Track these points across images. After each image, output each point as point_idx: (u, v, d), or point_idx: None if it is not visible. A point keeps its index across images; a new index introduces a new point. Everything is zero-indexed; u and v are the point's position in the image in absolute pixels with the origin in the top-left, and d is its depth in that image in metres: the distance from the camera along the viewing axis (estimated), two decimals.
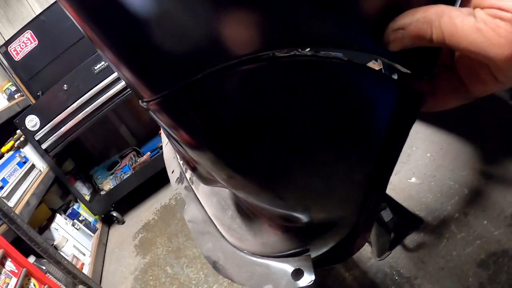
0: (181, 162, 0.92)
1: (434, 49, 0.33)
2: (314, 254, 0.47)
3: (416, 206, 1.43)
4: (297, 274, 0.45)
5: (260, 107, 0.32)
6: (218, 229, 0.62)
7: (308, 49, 0.30)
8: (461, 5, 0.30)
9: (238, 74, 0.30)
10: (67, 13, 0.33)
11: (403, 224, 1.36)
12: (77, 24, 0.33)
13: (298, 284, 0.44)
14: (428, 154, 1.63)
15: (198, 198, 0.74)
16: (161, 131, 1.28)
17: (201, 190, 0.74)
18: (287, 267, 0.47)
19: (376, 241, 1.30)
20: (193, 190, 0.78)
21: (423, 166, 1.59)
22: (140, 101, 0.36)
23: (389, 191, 1.35)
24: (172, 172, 0.97)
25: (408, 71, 0.35)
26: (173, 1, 0.28)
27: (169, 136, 0.43)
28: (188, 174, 0.85)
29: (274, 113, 0.32)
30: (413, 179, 1.55)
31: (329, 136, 0.35)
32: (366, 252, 1.37)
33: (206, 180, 0.48)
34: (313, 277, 0.44)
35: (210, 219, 0.66)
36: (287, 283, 0.46)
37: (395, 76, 0.37)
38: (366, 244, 1.38)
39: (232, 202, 0.61)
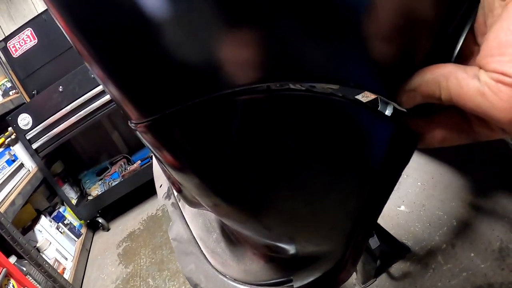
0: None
1: None
2: (297, 285, 0.46)
3: (403, 235, 1.42)
4: None
5: (250, 139, 0.31)
6: (202, 251, 0.61)
7: (303, 83, 0.30)
8: (465, 58, 0.30)
9: (230, 104, 0.29)
10: (60, 27, 0.32)
11: (390, 252, 1.35)
12: (71, 42, 0.32)
13: None
14: (419, 183, 1.63)
15: (184, 217, 0.73)
16: None
17: (187, 209, 0.73)
18: None
19: (361, 268, 1.29)
20: (179, 208, 0.77)
21: (413, 194, 1.58)
22: (128, 121, 0.35)
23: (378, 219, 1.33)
24: (160, 186, 0.96)
25: (405, 110, 0.34)
26: (171, 26, 0.27)
27: (155, 156, 0.43)
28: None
29: (265, 145, 0.32)
30: (402, 207, 1.55)
31: (319, 171, 0.35)
32: (351, 278, 1.36)
33: (191, 202, 0.48)
34: None
35: (195, 239, 0.65)
36: None
37: (390, 111, 0.36)
38: None
39: (217, 225, 0.60)
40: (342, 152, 0.34)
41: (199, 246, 0.63)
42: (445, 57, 0.32)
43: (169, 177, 0.46)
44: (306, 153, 0.33)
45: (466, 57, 0.31)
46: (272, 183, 0.35)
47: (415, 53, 0.32)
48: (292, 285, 0.45)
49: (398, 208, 1.55)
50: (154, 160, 1.14)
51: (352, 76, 0.30)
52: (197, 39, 0.27)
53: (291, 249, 0.42)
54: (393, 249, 1.35)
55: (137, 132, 0.35)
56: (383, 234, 1.33)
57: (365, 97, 0.35)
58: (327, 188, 0.37)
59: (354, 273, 1.35)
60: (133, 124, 0.34)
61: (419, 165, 1.71)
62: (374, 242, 1.25)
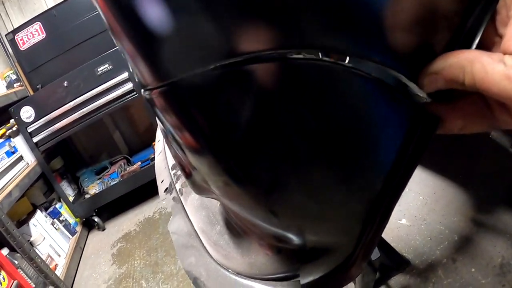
0: (172, 173, 0.90)
1: None
2: (304, 280, 0.44)
3: (404, 248, 1.40)
4: None
5: (264, 110, 0.30)
6: (203, 244, 0.59)
7: (323, 54, 0.29)
8: (486, 49, 0.30)
9: (246, 71, 0.28)
10: None
11: (390, 264, 1.33)
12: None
13: None
14: (420, 197, 1.61)
15: (185, 210, 0.71)
16: (155, 142, 1.26)
17: (190, 202, 0.71)
18: None
19: (360, 280, 1.27)
20: (181, 202, 0.75)
21: (415, 208, 1.57)
22: (142, 90, 0.34)
23: None
24: (162, 181, 0.94)
25: (425, 95, 0.33)
26: None
27: (166, 136, 0.41)
28: (178, 185, 0.82)
29: (279, 119, 0.30)
30: (404, 221, 1.53)
31: (333, 152, 0.33)
32: None
33: (200, 188, 0.46)
34: None
35: (196, 232, 0.63)
36: None
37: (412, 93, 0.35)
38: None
39: (221, 217, 0.58)
40: (358, 133, 0.33)
41: (200, 239, 0.61)
42: (465, 47, 0.31)
43: (179, 162, 0.45)
44: (320, 131, 0.32)
45: (487, 48, 0.31)
46: (284, 165, 0.33)
47: (435, 39, 0.31)
48: (299, 280, 0.44)
49: (399, 221, 1.53)
50: (157, 158, 1.13)
51: (375, 52, 0.29)
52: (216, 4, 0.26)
53: (299, 239, 0.41)
54: (393, 261, 1.33)
55: (151, 103, 0.34)
56: (384, 246, 1.31)
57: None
58: (341, 173, 0.35)
59: (353, 284, 1.32)
60: (148, 92, 0.33)
61: (421, 179, 1.70)
62: (374, 253, 1.23)
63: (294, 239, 0.41)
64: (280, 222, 0.39)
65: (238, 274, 0.49)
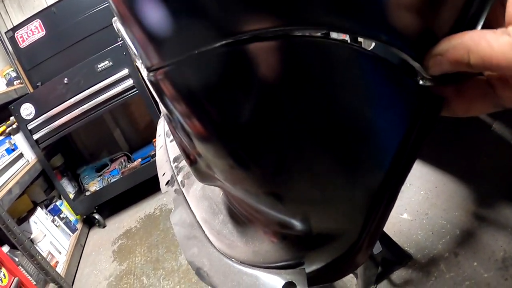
0: (173, 165, 0.90)
1: None
2: (309, 268, 0.44)
3: (406, 242, 1.40)
4: (289, 287, 0.42)
5: (269, 90, 0.30)
6: (205, 234, 0.59)
7: (325, 31, 0.29)
8: (491, 27, 0.29)
9: (251, 50, 0.28)
10: None
11: (392, 258, 1.32)
12: None
13: None
14: (422, 192, 1.61)
15: (187, 202, 0.71)
16: (155, 139, 1.25)
17: (192, 193, 0.71)
18: (278, 280, 0.43)
19: (362, 274, 1.26)
20: (183, 193, 0.75)
21: (416, 203, 1.56)
22: (147, 73, 0.33)
23: None
24: (163, 174, 0.94)
25: (430, 77, 0.33)
26: None
27: (170, 121, 0.41)
28: (180, 177, 0.82)
29: (284, 100, 0.30)
30: (405, 215, 1.53)
31: (339, 135, 0.33)
32: (352, 284, 1.34)
33: (204, 176, 0.46)
34: None
35: (198, 223, 0.63)
36: None
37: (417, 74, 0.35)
38: (352, 276, 1.35)
39: (224, 206, 0.58)
40: (364, 114, 0.33)
41: (202, 230, 0.60)
42: (470, 29, 0.31)
43: (184, 149, 0.44)
44: (325, 112, 0.32)
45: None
46: (289, 143, 0.33)
47: (441, 20, 0.30)
48: (304, 268, 0.43)
49: (400, 216, 1.53)
50: (158, 152, 1.12)
51: (381, 31, 0.29)
52: None
53: (305, 225, 0.40)
54: (395, 255, 1.33)
55: (155, 85, 0.33)
56: (386, 240, 1.31)
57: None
58: (346, 158, 0.35)
59: (355, 279, 1.32)
60: (152, 73, 0.32)
61: (423, 174, 1.70)
62: (376, 248, 1.22)
63: (300, 225, 0.40)
64: (285, 208, 0.39)
65: (242, 263, 0.49)
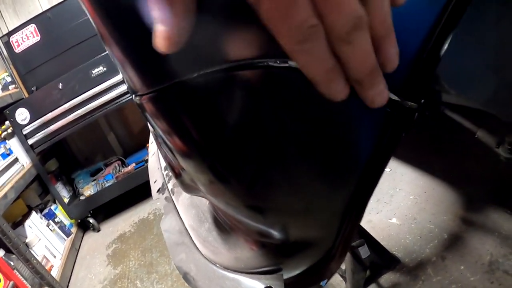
0: (164, 173, 0.92)
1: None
2: (287, 275, 0.46)
3: (394, 246, 1.43)
4: None
5: (246, 115, 0.32)
6: (193, 241, 0.61)
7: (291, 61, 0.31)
8: None
9: (231, 79, 0.30)
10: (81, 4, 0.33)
11: (380, 262, 1.35)
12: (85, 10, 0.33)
13: None
14: (411, 197, 1.64)
15: (177, 209, 0.73)
16: (148, 144, 1.28)
17: (181, 201, 0.73)
18: (258, 284, 0.46)
19: (351, 277, 1.29)
20: (173, 201, 0.77)
21: (405, 208, 1.59)
22: (133, 96, 0.36)
23: (369, 229, 1.35)
24: (155, 182, 0.96)
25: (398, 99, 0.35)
26: None
27: (156, 138, 0.43)
28: (170, 185, 0.84)
29: (260, 122, 0.33)
30: (394, 220, 1.56)
31: (312, 152, 0.36)
32: None
33: (188, 187, 0.48)
34: None
35: (186, 230, 0.65)
36: None
37: None
38: (341, 279, 1.37)
39: (210, 215, 0.60)
40: (336, 132, 0.35)
41: (190, 236, 0.63)
42: None
43: (169, 163, 0.47)
44: (298, 134, 0.34)
45: None
46: (263, 163, 0.36)
47: None
48: (282, 273, 0.46)
49: (389, 220, 1.56)
50: (150, 159, 1.15)
51: None
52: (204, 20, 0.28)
53: (282, 234, 0.43)
54: (383, 260, 1.35)
55: (141, 108, 0.36)
56: (374, 244, 1.33)
57: None
58: (321, 171, 0.38)
59: (343, 282, 1.35)
60: (138, 98, 0.35)
61: (412, 179, 1.73)
62: (364, 252, 1.25)
63: (277, 234, 0.43)
64: (263, 219, 0.42)
65: (226, 268, 0.52)
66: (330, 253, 0.43)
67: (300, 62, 0.27)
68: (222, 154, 0.35)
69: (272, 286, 0.45)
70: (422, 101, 0.36)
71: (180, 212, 0.70)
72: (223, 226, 0.55)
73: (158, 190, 0.88)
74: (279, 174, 0.37)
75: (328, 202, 0.40)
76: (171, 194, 0.78)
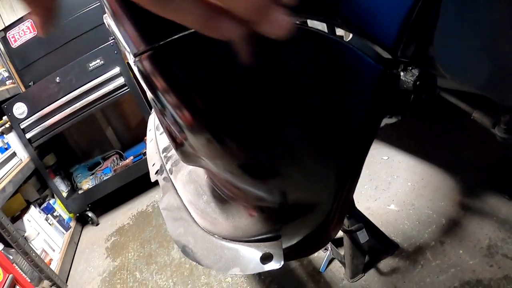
0: (162, 155, 0.92)
1: None
2: (286, 243, 0.46)
3: (393, 232, 1.43)
4: (266, 258, 0.44)
5: (242, 70, 0.32)
6: (191, 215, 0.62)
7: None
8: None
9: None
10: None
11: (379, 248, 1.35)
12: None
13: (265, 268, 0.44)
14: (409, 183, 1.64)
15: (175, 187, 0.73)
16: (146, 137, 1.28)
17: (179, 178, 0.73)
18: (256, 252, 0.46)
19: (350, 262, 1.29)
20: (171, 180, 0.77)
21: (403, 194, 1.60)
22: (133, 59, 0.36)
23: (367, 215, 1.35)
24: (153, 165, 0.97)
25: (390, 56, 0.35)
26: None
27: (155, 104, 0.43)
28: (168, 165, 0.84)
29: (256, 77, 0.33)
30: (392, 206, 1.56)
31: (309, 112, 0.36)
32: (340, 273, 1.36)
33: (188, 157, 0.48)
34: (281, 263, 0.43)
35: (185, 206, 0.65)
36: (254, 266, 0.45)
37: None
38: (340, 265, 1.37)
39: (208, 188, 0.60)
40: (330, 93, 0.35)
41: (188, 211, 0.63)
42: None
43: (170, 134, 0.47)
44: (293, 92, 0.34)
45: None
46: (259, 122, 0.36)
47: None
48: (281, 240, 0.46)
49: (387, 207, 1.56)
50: (148, 145, 1.15)
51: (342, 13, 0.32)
52: None
53: (280, 197, 0.43)
54: (382, 245, 1.36)
55: (140, 69, 0.36)
56: (373, 229, 1.34)
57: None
58: (315, 131, 0.38)
59: (343, 267, 1.35)
60: (137, 58, 0.35)
61: (410, 166, 1.73)
62: (363, 237, 1.26)
63: (276, 198, 0.43)
64: (260, 180, 0.42)
65: (224, 238, 0.52)
66: (329, 216, 0.43)
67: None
68: (217, 110, 0.35)
69: (271, 253, 0.45)
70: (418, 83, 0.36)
71: (179, 189, 0.70)
72: (222, 197, 0.55)
73: (157, 172, 0.88)
74: (276, 134, 0.37)
75: (324, 164, 0.41)
76: (169, 174, 0.79)
